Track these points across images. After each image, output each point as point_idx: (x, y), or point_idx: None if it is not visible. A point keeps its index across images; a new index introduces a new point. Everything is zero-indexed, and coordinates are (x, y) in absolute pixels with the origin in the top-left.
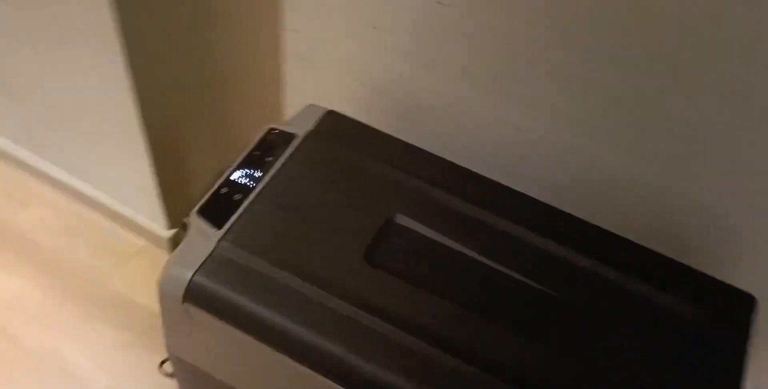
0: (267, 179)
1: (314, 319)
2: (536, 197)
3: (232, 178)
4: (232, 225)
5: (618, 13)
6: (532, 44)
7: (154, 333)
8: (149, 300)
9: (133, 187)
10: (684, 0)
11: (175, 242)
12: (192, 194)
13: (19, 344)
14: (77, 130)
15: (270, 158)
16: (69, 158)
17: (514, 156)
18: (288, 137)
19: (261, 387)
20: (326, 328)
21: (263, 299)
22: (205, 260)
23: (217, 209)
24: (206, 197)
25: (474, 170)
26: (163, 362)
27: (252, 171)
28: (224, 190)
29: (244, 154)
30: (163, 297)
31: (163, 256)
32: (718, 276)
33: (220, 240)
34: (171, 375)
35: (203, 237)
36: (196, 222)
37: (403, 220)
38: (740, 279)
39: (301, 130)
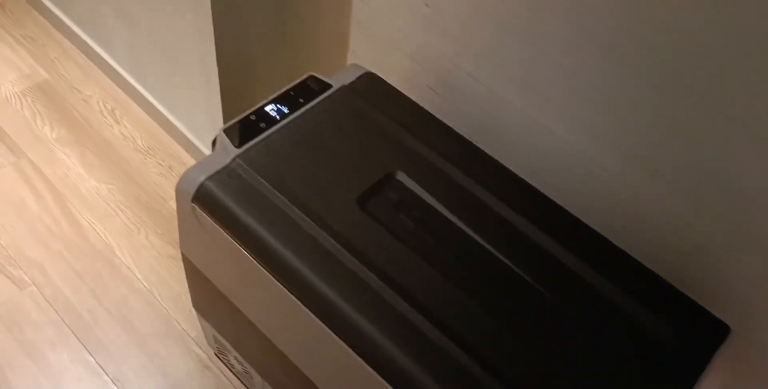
0: (293, 117)
1: (297, 243)
2: (543, 192)
3: (264, 109)
4: (250, 147)
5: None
6: (562, 48)
7: None
8: None
9: (205, 122)
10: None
11: None
12: None
13: (83, 233)
14: (170, 63)
15: (302, 100)
16: (160, 86)
17: (532, 151)
18: (324, 86)
19: (246, 299)
20: (305, 253)
21: (257, 215)
22: (218, 170)
23: (241, 132)
24: (236, 119)
25: (489, 153)
26: None
27: (283, 107)
28: (253, 117)
29: (281, 91)
30: (179, 195)
31: None
32: (702, 302)
33: (236, 157)
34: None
35: (223, 152)
36: (221, 139)
37: (402, 177)
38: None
39: (337, 83)
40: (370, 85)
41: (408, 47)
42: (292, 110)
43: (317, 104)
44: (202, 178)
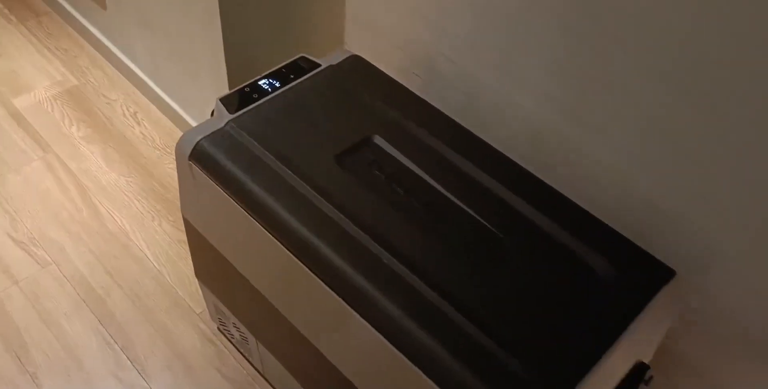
0: (282, 90)
1: (280, 193)
2: (507, 155)
3: (257, 83)
4: (242, 114)
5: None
6: (525, 29)
7: None
8: None
9: None
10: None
11: None
12: None
13: (101, 220)
14: (184, 66)
15: (292, 76)
16: (176, 88)
17: (501, 122)
18: (313, 65)
19: (238, 251)
20: (287, 202)
21: (247, 170)
22: (213, 132)
23: (236, 101)
24: (232, 91)
25: (460, 123)
26: None
27: (274, 82)
28: (247, 89)
29: (274, 69)
30: (178, 154)
31: None
32: (650, 249)
33: (229, 121)
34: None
35: (219, 118)
36: (218, 106)
37: (378, 140)
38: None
39: (326, 63)
40: (355, 65)
41: (395, 37)
42: (282, 85)
43: (305, 79)
44: (198, 138)
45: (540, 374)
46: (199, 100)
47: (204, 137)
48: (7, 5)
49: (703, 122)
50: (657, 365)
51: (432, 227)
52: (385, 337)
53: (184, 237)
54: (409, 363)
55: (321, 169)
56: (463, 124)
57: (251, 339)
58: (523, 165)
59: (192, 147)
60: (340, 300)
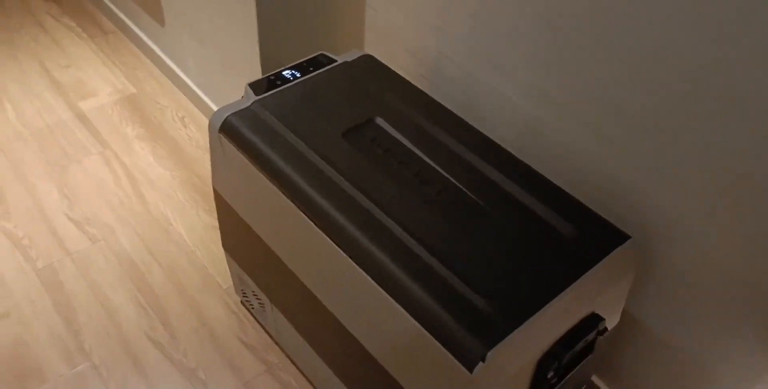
0: (302, 79)
1: (293, 161)
2: (492, 139)
3: (281, 73)
4: (266, 96)
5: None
6: (514, 30)
7: None
8: None
9: None
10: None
11: None
12: None
13: (147, 207)
14: (226, 74)
15: (311, 69)
16: (218, 94)
17: (492, 112)
18: (330, 61)
19: (259, 216)
20: (299, 169)
21: (267, 141)
22: (240, 110)
23: (262, 85)
24: (260, 78)
25: (456, 113)
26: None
27: (296, 73)
28: (272, 77)
29: (296, 62)
30: (210, 129)
31: None
32: (611, 218)
33: (254, 102)
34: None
35: (246, 99)
36: (246, 90)
37: (380, 121)
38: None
39: (341, 59)
40: (367, 62)
41: (405, 42)
42: (302, 75)
43: (322, 72)
44: (227, 114)
45: (499, 309)
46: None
47: (232, 114)
48: (80, 25)
49: (658, 105)
50: (624, 336)
51: (420, 192)
52: (374, 280)
53: (217, 224)
54: (395, 303)
55: (329, 142)
56: (457, 112)
57: (267, 303)
58: (504, 146)
59: (222, 121)
60: (339, 250)
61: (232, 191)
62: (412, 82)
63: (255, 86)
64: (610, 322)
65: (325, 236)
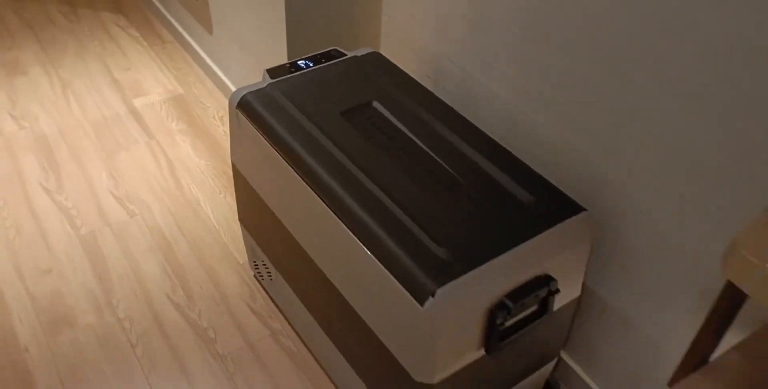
0: (313, 68)
1: (299, 135)
2: (473, 122)
3: (296, 62)
4: (280, 80)
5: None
6: (505, 33)
7: None
8: None
9: None
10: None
11: None
12: None
13: (182, 190)
14: (257, 63)
15: (323, 61)
16: None
17: (482, 106)
18: (341, 55)
19: (268, 185)
20: (303, 142)
21: (277, 117)
22: (256, 90)
23: (277, 71)
24: (276, 65)
25: (447, 102)
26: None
27: (309, 62)
28: (288, 65)
29: (311, 54)
30: (230, 106)
31: None
32: (570, 193)
33: (269, 84)
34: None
35: (263, 82)
36: (264, 74)
37: (376, 105)
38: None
39: (351, 54)
40: (373, 58)
41: (413, 46)
42: (315, 65)
43: (332, 63)
44: (244, 93)
45: (454, 256)
46: None
47: (249, 93)
48: (143, 34)
49: (612, 89)
50: (590, 314)
51: (402, 162)
52: (351, 231)
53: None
54: (365, 249)
55: (329, 119)
56: (455, 107)
57: (273, 270)
58: (481, 127)
59: (239, 99)
60: (326, 207)
61: (245, 161)
62: (419, 81)
63: (272, 72)
64: (570, 292)
65: (315, 195)
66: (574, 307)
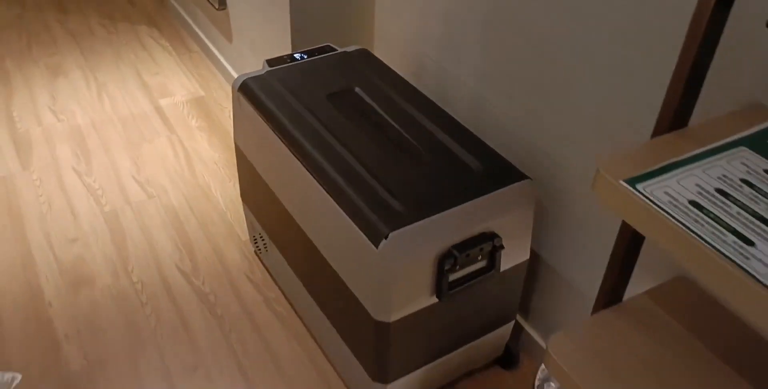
0: (307, 60)
1: (289, 113)
2: (438, 104)
3: (293, 54)
4: (277, 69)
5: None
6: (470, 28)
7: None
8: None
9: None
10: None
11: None
12: None
13: (195, 178)
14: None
15: (316, 54)
16: None
17: (456, 96)
18: (332, 50)
19: (264, 161)
20: (292, 118)
21: (271, 98)
22: (256, 76)
23: (275, 62)
24: (274, 57)
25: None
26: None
27: (304, 56)
28: (285, 57)
29: (306, 49)
30: (232, 89)
31: None
32: (518, 164)
33: (267, 71)
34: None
35: (262, 70)
36: (264, 64)
37: (358, 90)
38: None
39: (341, 50)
40: (361, 54)
41: (400, 46)
42: (308, 57)
43: (324, 56)
44: (245, 78)
45: (407, 207)
46: None
47: (249, 78)
48: (173, 45)
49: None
50: (541, 280)
51: (372, 134)
52: (322, 186)
53: None
54: (332, 201)
55: (316, 101)
56: (425, 93)
57: (268, 241)
58: (449, 112)
59: (240, 83)
60: (305, 169)
61: (245, 139)
62: (406, 78)
63: (271, 62)
64: (517, 254)
65: (297, 160)
66: (524, 270)
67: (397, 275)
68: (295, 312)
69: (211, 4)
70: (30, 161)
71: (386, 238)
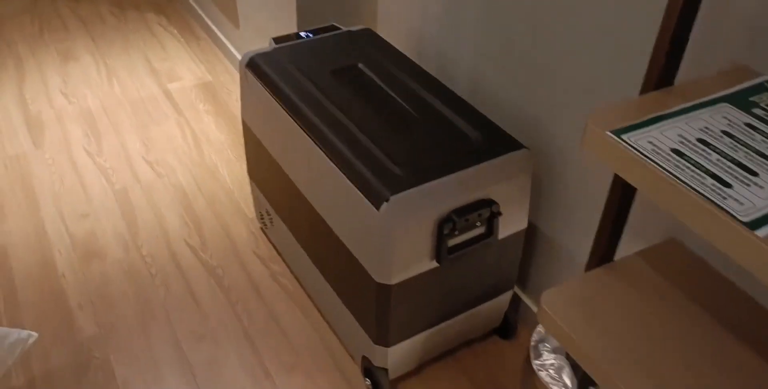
0: (312, 38)
1: (295, 87)
2: (438, 78)
3: (299, 33)
4: (283, 46)
5: None
6: (464, 8)
7: None
8: None
9: None
10: None
11: None
12: None
13: (203, 158)
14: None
15: (322, 33)
16: None
17: (452, 69)
18: (337, 29)
19: (267, 132)
20: (298, 92)
21: (279, 73)
22: (263, 53)
23: (282, 40)
24: (281, 35)
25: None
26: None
27: (309, 34)
28: (291, 35)
29: (312, 28)
30: (240, 65)
31: None
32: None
33: (274, 48)
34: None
35: (269, 47)
36: (270, 41)
37: (362, 66)
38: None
39: (345, 29)
40: (365, 32)
41: (401, 25)
42: (314, 36)
43: (329, 35)
44: (252, 55)
45: (407, 173)
46: None
47: (256, 54)
48: (181, 32)
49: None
50: (540, 252)
51: (375, 107)
52: (327, 156)
53: None
54: (337, 169)
55: (320, 76)
56: (424, 67)
57: (274, 216)
58: (444, 82)
59: (248, 59)
60: (310, 140)
61: (252, 114)
62: (405, 53)
63: (277, 40)
64: (515, 222)
65: (303, 131)
66: (522, 239)
67: (398, 238)
68: (301, 286)
69: None
70: (42, 140)
71: (387, 201)
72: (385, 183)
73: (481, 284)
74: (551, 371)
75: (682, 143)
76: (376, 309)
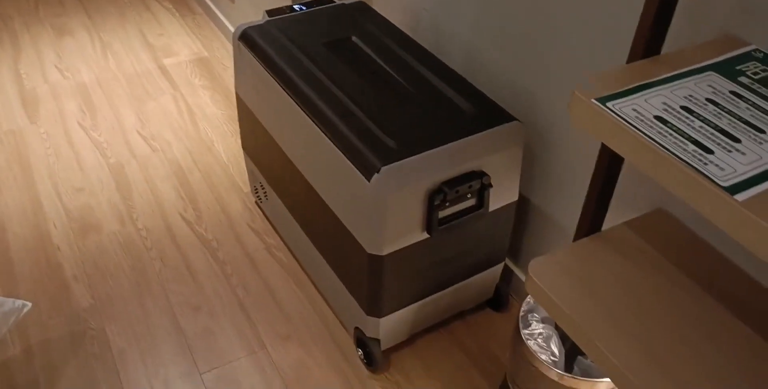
0: (305, 11)
1: (288, 59)
2: (432, 53)
3: (293, 5)
4: (276, 19)
5: None
6: None
7: None
8: None
9: None
10: None
11: None
12: None
13: (198, 132)
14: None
15: (315, 6)
16: None
17: (446, 45)
18: (330, 2)
19: (261, 105)
20: (291, 64)
21: (271, 45)
22: (255, 26)
23: (275, 12)
24: (274, 8)
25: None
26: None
27: (303, 7)
28: (285, 8)
29: (306, 0)
30: (233, 38)
31: None
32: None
33: (267, 21)
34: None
35: (262, 20)
36: (263, 13)
37: (355, 39)
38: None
39: (339, 1)
40: (359, 5)
41: (399, 1)
42: (307, 8)
43: (322, 8)
44: (245, 27)
45: (399, 145)
46: None
47: (249, 27)
48: (176, 7)
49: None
50: (532, 227)
51: (368, 79)
52: (319, 128)
53: None
54: (328, 140)
55: (313, 48)
56: (420, 42)
57: (268, 189)
58: (438, 56)
59: (241, 32)
60: (302, 112)
61: (245, 87)
62: (399, 27)
63: (270, 12)
64: (506, 194)
65: (296, 103)
66: (513, 211)
67: (389, 209)
68: (295, 258)
69: None
70: (37, 115)
71: (378, 172)
72: (376, 154)
73: (472, 256)
74: (539, 340)
75: (666, 110)
76: (368, 280)
